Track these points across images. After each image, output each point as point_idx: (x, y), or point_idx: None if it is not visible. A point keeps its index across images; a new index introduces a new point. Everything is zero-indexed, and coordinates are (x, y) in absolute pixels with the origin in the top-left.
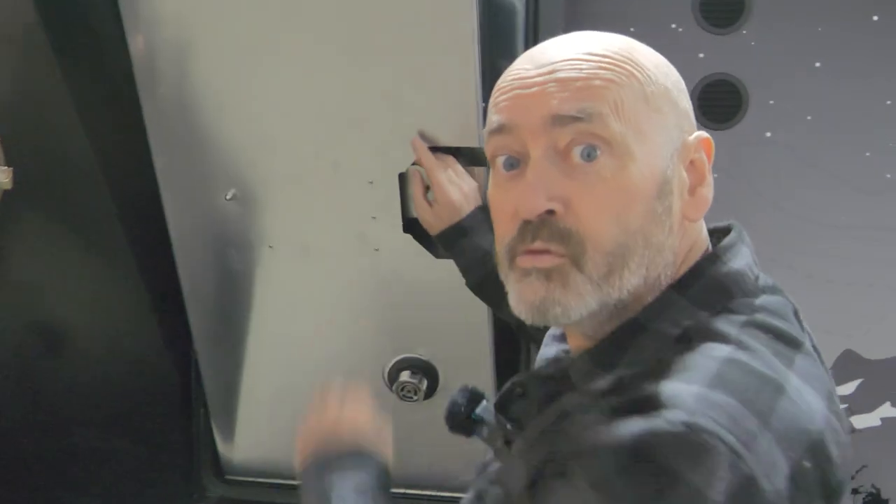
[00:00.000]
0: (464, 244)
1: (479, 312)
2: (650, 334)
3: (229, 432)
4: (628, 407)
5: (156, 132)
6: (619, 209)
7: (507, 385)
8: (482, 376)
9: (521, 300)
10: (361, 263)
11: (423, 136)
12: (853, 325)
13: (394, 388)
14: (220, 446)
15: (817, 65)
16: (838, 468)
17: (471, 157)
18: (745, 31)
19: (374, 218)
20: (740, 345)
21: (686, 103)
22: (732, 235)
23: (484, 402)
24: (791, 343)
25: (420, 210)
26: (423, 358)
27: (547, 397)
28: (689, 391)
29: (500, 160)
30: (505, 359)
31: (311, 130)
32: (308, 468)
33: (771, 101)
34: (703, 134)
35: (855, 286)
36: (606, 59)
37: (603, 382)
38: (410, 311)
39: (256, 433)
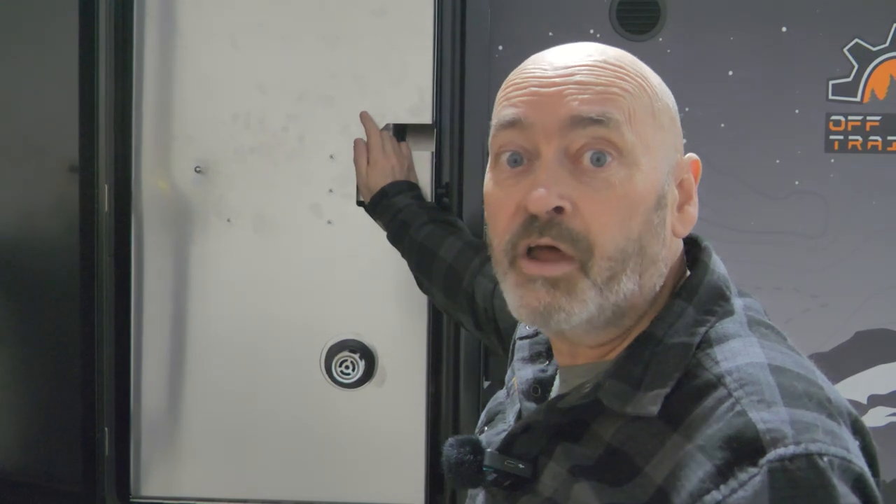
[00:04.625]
0: (384, 204)
1: (419, 296)
2: (669, 346)
3: (152, 447)
4: (734, 453)
5: (140, 105)
6: (623, 216)
7: (516, 427)
8: (417, 361)
9: (524, 305)
10: (313, 235)
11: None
12: None
13: (333, 363)
14: (133, 466)
15: (730, 73)
16: (872, 437)
17: (419, 134)
18: (661, 39)
19: (330, 191)
20: (762, 344)
21: (679, 125)
22: (708, 244)
23: (488, 451)
24: (781, 336)
25: (359, 177)
26: (362, 341)
27: (564, 427)
28: (779, 418)
29: (506, 156)
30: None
31: (283, 106)
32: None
33: (686, 108)
34: (694, 156)
35: (763, 289)
36: (622, 70)
37: (647, 403)
38: (355, 287)
39: (181, 446)
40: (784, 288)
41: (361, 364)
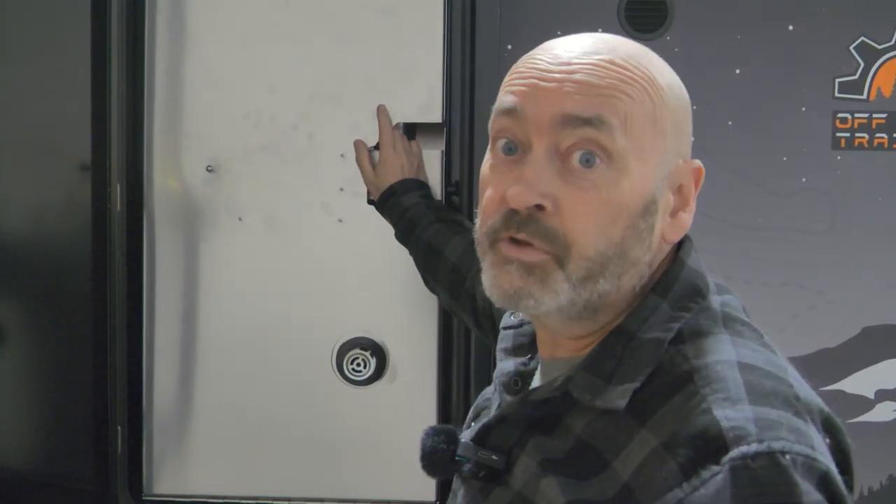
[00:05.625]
0: (392, 202)
1: (430, 294)
2: (643, 342)
3: (164, 445)
4: (697, 450)
5: (152, 105)
6: (606, 220)
7: (491, 418)
8: (428, 359)
9: (496, 286)
10: (324, 234)
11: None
12: (768, 324)
13: (345, 361)
14: (145, 464)
15: (737, 72)
16: (846, 434)
17: (429, 133)
18: (668, 38)
19: (341, 189)
20: (734, 342)
21: (688, 127)
22: (687, 241)
23: (462, 441)
24: (757, 333)
25: (365, 177)
26: (373, 339)
27: (538, 420)
28: (743, 416)
29: (501, 143)
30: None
31: (293, 105)
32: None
33: (694, 107)
34: (697, 163)
35: (770, 286)
36: (626, 73)
37: (615, 396)
38: (366, 285)
39: (193, 443)
40: (791, 284)
41: (373, 362)
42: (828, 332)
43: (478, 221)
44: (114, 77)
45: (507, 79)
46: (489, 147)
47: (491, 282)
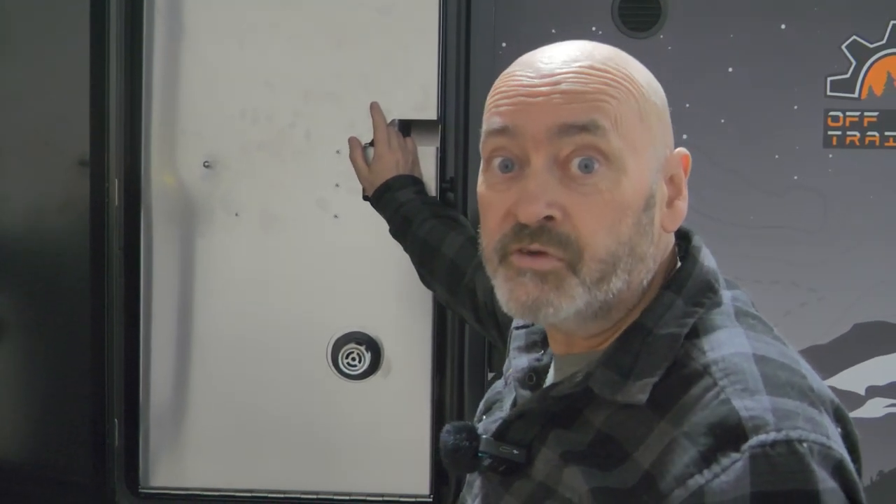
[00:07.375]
0: (387, 198)
1: (424, 288)
2: (659, 337)
3: (161, 438)
4: (717, 439)
5: (150, 101)
6: (613, 221)
7: (511, 414)
8: (422, 353)
9: (512, 298)
10: (320, 229)
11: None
12: None
13: (340, 355)
14: (142, 457)
15: (729, 70)
16: (854, 425)
17: (424, 130)
18: (662, 36)
19: (336, 185)
20: (748, 335)
21: (668, 119)
22: (697, 238)
23: (483, 437)
24: (767, 326)
25: (358, 173)
26: (368, 333)
27: (557, 414)
28: (762, 406)
29: (497, 161)
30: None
31: (290, 102)
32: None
33: (686, 105)
34: (683, 150)
35: (762, 283)
36: (608, 75)
37: (636, 391)
38: (361, 280)
39: (190, 437)
40: (782, 281)
41: (367, 356)
42: (819, 329)
43: (482, 240)
44: (112, 74)
45: (490, 100)
46: (483, 168)
47: (507, 295)
